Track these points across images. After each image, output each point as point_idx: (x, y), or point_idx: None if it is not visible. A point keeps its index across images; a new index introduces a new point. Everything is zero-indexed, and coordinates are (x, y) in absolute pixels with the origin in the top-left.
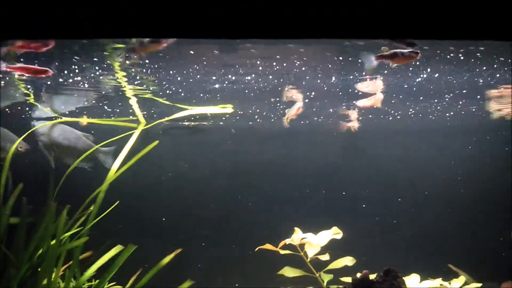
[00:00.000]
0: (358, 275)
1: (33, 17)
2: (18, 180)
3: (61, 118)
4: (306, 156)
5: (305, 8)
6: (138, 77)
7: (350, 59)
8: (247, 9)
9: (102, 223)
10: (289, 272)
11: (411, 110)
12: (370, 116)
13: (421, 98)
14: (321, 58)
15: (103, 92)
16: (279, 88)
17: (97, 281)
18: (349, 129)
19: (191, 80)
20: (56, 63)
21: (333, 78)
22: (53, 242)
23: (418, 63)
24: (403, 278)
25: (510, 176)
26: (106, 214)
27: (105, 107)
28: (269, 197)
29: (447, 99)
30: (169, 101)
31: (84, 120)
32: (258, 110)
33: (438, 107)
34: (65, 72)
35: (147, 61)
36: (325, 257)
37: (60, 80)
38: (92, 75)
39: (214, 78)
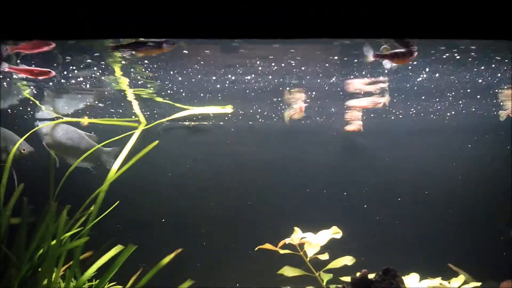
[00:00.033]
0: (358, 274)
1: (33, 17)
2: (19, 180)
3: (62, 118)
4: (306, 156)
5: (305, 8)
6: (139, 77)
7: (345, 59)
8: (247, 9)
9: (103, 223)
10: (288, 271)
11: (412, 110)
12: (372, 115)
13: (423, 97)
14: (321, 58)
15: (106, 93)
16: (280, 88)
17: (98, 281)
18: (355, 131)
19: (192, 80)
20: (58, 64)
21: (333, 79)
22: (54, 242)
23: (415, 62)
24: (402, 277)
25: (510, 176)
26: (106, 214)
27: (108, 108)
28: (269, 196)
29: (450, 99)
30: (171, 101)
31: (85, 120)
32: (259, 110)
33: (439, 107)
34: (67, 73)
35: (146, 61)
36: (325, 256)
37: (63, 81)
38: (93, 75)
39: (214, 78)
